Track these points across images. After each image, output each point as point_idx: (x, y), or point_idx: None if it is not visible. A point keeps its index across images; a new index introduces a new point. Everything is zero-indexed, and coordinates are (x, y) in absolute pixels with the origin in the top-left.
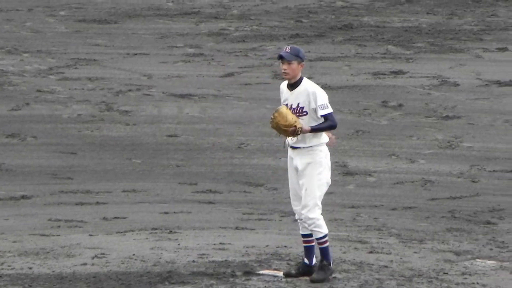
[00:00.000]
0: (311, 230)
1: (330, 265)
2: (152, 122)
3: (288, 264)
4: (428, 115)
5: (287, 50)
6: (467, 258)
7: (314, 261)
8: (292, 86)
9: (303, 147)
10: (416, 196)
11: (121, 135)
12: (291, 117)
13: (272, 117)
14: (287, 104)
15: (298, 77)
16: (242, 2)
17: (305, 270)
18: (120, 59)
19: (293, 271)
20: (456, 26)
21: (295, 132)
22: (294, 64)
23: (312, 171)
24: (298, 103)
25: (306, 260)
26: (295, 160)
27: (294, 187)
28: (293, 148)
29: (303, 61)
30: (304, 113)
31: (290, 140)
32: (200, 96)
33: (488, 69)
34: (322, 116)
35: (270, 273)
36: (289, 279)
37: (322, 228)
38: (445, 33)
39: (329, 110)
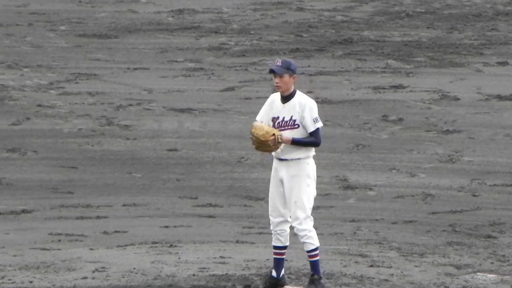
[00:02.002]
0: (302, 242)
1: (321, 279)
2: (153, 137)
3: (289, 277)
4: (429, 129)
5: (278, 63)
6: (468, 272)
7: (282, 274)
8: (285, 99)
9: (290, 159)
10: (416, 210)
11: (122, 149)
12: (267, 127)
13: (251, 136)
14: (278, 117)
15: (291, 90)
16: (242, 17)
17: (272, 283)
18: (120, 74)
19: (260, 285)
20: (456, 40)
21: (275, 140)
22: (286, 77)
23: (300, 183)
24: (291, 116)
25: (274, 273)
26: (281, 172)
27: (274, 198)
28: (280, 160)
29: (295, 73)
30: (296, 126)
31: (274, 153)
32: (201, 111)
33: (489, 83)
34: (311, 132)
35: None
36: None
37: (314, 240)
38: (445, 47)
39: (319, 124)
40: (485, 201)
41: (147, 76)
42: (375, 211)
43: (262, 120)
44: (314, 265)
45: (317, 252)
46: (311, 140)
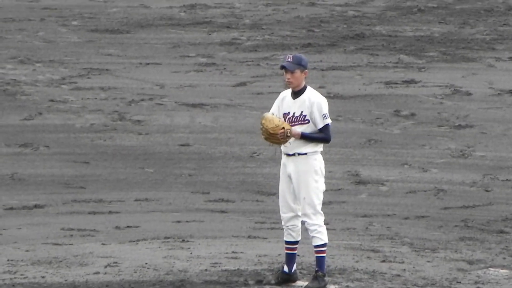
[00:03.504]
0: (311, 237)
1: (324, 276)
2: (165, 132)
3: (300, 272)
4: (441, 124)
5: (289, 59)
6: (480, 267)
7: (293, 269)
8: (296, 94)
9: (298, 154)
10: (428, 205)
11: (134, 144)
12: (277, 120)
13: (261, 126)
14: (289, 113)
15: (302, 85)
16: (254, 12)
17: (284, 278)
18: (132, 69)
19: (272, 280)
20: (468, 35)
21: (284, 134)
22: (297, 73)
23: (308, 179)
24: (302, 111)
25: (285, 268)
26: (289, 167)
27: (284, 194)
28: (288, 155)
29: (306, 69)
30: (306, 121)
31: (282, 147)
32: (212, 106)
33: (501, 78)
34: (320, 128)
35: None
36: None
37: (322, 236)
38: (457, 42)
39: (328, 120)
40: (497, 196)
41: (159, 71)
42: (387, 206)
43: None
44: (320, 261)
45: (324, 248)
46: (321, 136)
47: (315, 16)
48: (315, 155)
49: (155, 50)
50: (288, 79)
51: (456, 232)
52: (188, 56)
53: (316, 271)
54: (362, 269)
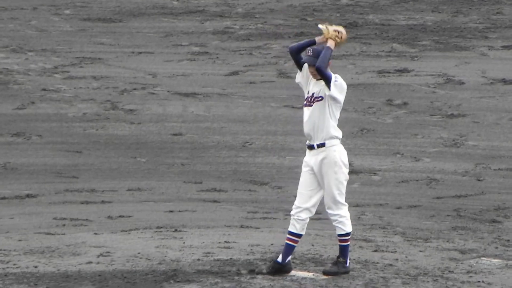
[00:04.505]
0: (334, 226)
1: (346, 263)
2: (157, 121)
3: (293, 262)
4: (433, 113)
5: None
6: (472, 257)
7: (287, 260)
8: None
9: (317, 145)
10: (421, 194)
11: (126, 133)
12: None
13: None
14: (309, 91)
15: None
16: (247, 1)
17: (276, 268)
18: (125, 58)
19: (264, 270)
20: (461, 24)
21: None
22: None
23: (328, 171)
24: (320, 90)
25: (279, 258)
26: (310, 161)
27: (301, 185)
28: (309, 148)
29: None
30: (320, 98)
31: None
32: (205, 95)
33: (493, 67)
34: (329, 86)
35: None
36: (294, 278)
37: (345, 226)
38: (450, 31)
39: (333, 81)
40: (489, 185)
41: (152, 60)
42: (379, 196)
43: (300, 81)
44: (342, 249)
45: (347, 237)
46: (324, 54)
47: (308, 4)
48: (334, 146)
49: (148, 39)
50: (312, 72)
51: (448, 222)
52: (181, 45)
53: (338, 257)
54: (354, 259)
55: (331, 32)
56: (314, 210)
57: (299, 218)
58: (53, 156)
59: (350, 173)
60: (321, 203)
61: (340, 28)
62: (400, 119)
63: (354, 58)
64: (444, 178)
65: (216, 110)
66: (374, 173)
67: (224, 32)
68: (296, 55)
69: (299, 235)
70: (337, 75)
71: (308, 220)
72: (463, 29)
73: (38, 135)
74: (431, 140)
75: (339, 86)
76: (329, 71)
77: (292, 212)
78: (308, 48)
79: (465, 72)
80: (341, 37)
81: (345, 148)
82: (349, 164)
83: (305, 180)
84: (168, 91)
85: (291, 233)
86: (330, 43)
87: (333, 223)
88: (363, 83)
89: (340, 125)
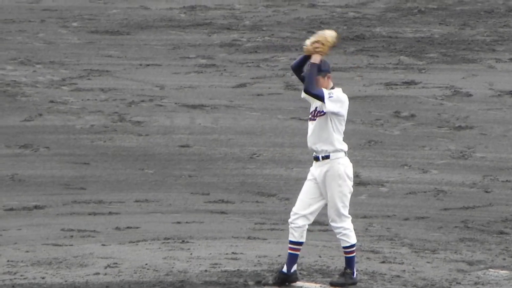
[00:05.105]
0: (339, 239)
1: (353, 274)
2: (165, 133)
3: (300, 273)
4: (441, 125)
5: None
6: (480, 268)
7: (293, 270)
8: None
9: (322, 157)
10: (428, 206)
11: (134, 145)
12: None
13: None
14: (313, 106)
15: (330, 87)
16: (254, 13)
17: (281, 278)
18: (132, 70)
19: (270, 281)
20: (468, 36)
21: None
22: (320, 79)
23: (331, 183)
24: (321, 105)
25: (284, 268)
26: (315, 172)
27: (302, 192)
28: (315, 160)
29: (328, 72)
30: (322, 113)
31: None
32: (212, 107)
33: (501, 79)
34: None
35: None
36: None
37: (349, 238)
38: (458, 43)
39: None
40: (497, 197)
41: (159, 73)
42: (387, 207)
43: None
44: (348, 261)
45: (352, 249)
46: (309, 73)
47: (315, 17)
48: (339, 159)
49: (155, 52)
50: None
51: (456, 233)
52: (188, 58)
53: (345, 269)
54: (362, 270)
55: (309, 48)
56: (312, 219)
57: (296, 225)
58: (61, 168)
59: (358, 184)
60: (326, 215)
61: (319, 35)
62: (408, 131)
63: (361, 70)
64: (452, 189)
65: (223, 122)
66: (382, 185)
67: (231, 44)
68: (297, 72)
69: (299, 243)
70: (334, 90)
71: (306, 227)
72: (470, 41)
73: (46, 147)
74: (438, 152)
75: (335, 100)
76: (319, 89)
77: (289, 220)
78: (308, 62)
79: (472, 84)
80: (324, 43)
81: (352, 160)
82: (357, 176)
83: (308, 188)
84: (175, 103)
85: (291, 242)
86: (314, 58)
87: (337, 236)
88: (371, 95)
89: (347, 137)
